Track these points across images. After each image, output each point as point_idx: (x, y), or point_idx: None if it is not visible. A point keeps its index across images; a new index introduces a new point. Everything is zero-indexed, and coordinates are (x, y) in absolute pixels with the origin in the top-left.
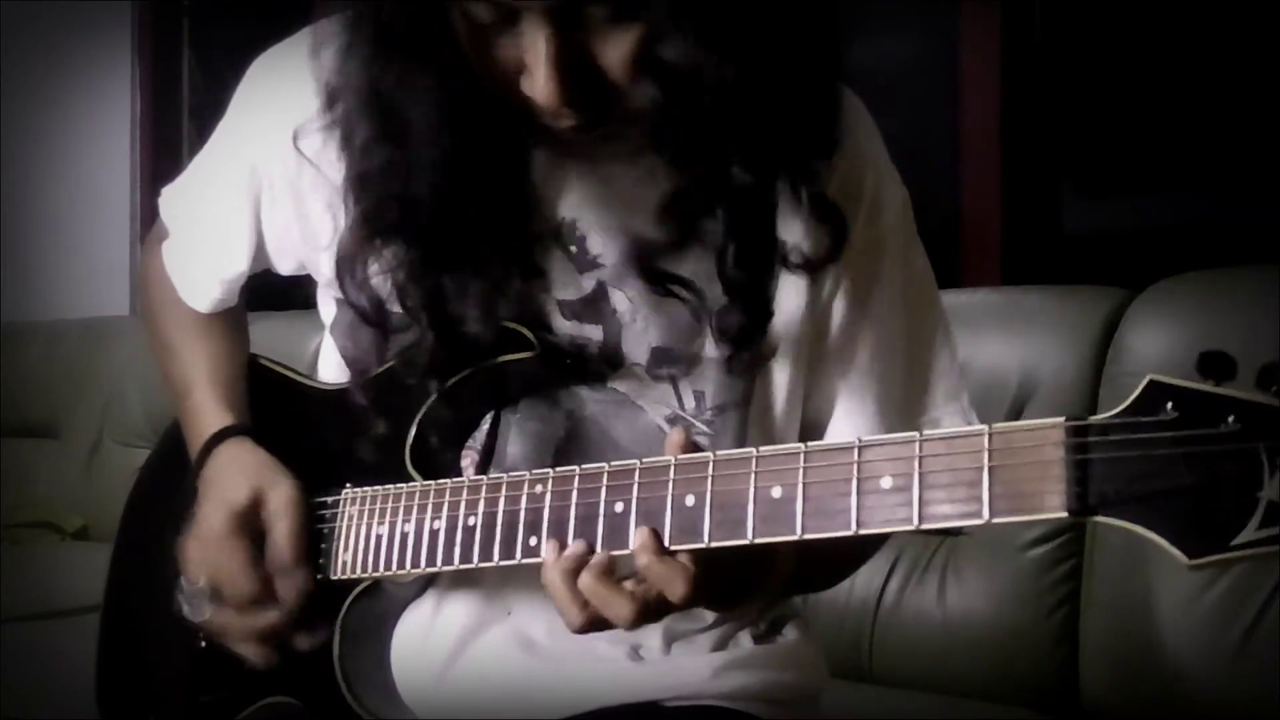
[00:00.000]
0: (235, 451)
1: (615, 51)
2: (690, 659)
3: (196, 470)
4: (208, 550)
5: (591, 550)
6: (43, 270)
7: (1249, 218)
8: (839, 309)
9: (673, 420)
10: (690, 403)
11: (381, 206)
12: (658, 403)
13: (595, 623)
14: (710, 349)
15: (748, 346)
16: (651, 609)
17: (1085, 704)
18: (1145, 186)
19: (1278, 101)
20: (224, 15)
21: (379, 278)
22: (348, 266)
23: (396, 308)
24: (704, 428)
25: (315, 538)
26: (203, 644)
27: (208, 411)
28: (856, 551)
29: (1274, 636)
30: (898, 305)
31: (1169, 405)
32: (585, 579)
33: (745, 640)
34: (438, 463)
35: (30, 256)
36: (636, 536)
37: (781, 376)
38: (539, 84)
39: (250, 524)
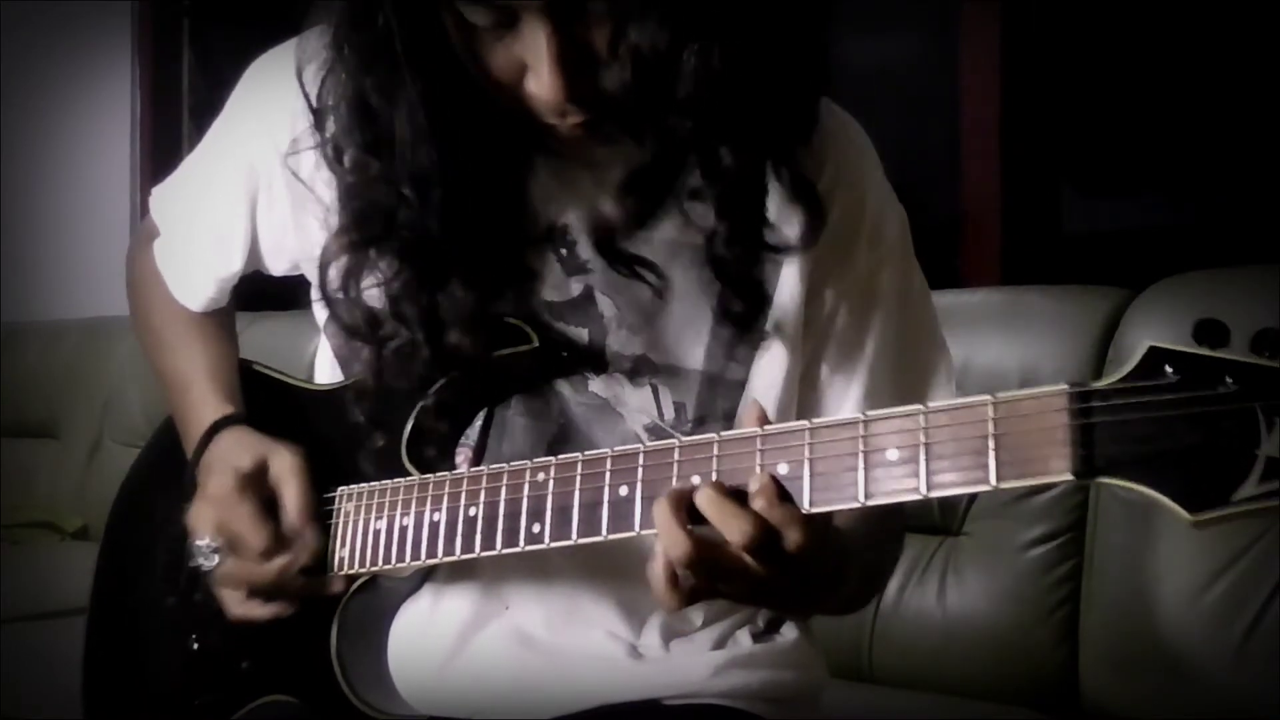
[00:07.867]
0: (236, 435)
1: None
2: (689, 657)
3: (196, 458)
4: (217, 508)
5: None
6: (43, 270)
7: (1248, 218)
8: (837, 327)
9: (652, 429)
10: (670, 413)
11: (374, 220)
12: (638, 411)
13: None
14: (693, 361)
15: (748, 329)
16: (765, 548)
17: (1085, 704)
18: (1145, 186)
19: (1277, 101)
20: (224, 15)
21: (373, 290)
22: (340, 283)
23: (385, 307)
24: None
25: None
26: (195, 645)
27: (209, 405)
28: (887, 555)
29: (1274, 636)
30: (895, 324)
31: (1168, 369)
32: (702, 497)
33: (744, 638)
34: (433, 459)
35: (30, 256)
36: (756, 481)
37: (770, 393)
38: (543, 82)
39: (257, 486)
